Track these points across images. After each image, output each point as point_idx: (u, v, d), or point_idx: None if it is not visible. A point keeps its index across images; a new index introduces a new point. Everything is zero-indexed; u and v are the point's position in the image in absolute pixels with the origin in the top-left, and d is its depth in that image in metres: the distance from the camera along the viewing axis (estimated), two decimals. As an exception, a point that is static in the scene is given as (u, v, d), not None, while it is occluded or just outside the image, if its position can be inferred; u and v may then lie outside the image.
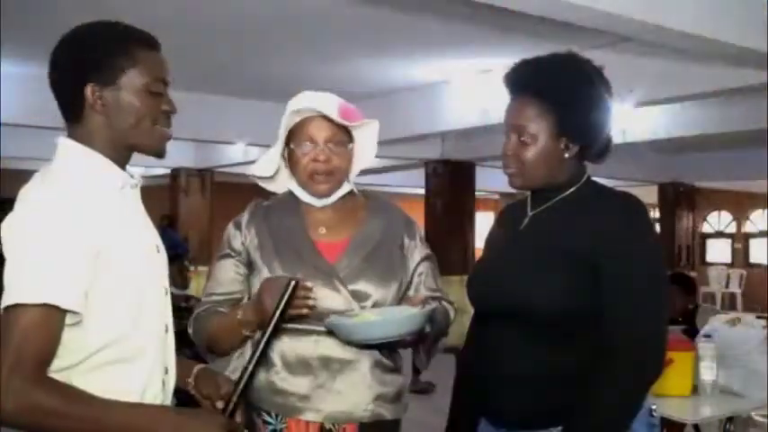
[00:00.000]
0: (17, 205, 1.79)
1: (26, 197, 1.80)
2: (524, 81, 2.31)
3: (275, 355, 2.38)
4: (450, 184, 13.31)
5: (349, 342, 2.30)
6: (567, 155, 2.28)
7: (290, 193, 2.54)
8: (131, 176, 2.00)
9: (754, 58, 5.69)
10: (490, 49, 7.80)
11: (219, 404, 2.00)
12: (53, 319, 1.72)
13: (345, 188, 2.51)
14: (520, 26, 6.47)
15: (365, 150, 2.55)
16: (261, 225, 2.49)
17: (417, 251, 2.55)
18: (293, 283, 2.05)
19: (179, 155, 14.42)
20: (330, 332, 2.31)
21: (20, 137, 11.25)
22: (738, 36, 5.31)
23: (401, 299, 2.46)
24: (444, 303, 2.56)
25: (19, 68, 8.78)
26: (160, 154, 1.99)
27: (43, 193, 1.80)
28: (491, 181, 16.74)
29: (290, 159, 2.48)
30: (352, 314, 2.30)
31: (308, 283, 2.24)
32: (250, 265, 2.47)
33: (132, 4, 6.19)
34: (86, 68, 1.89)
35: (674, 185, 17.03)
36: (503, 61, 8.09)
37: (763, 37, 5.35)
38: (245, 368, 1.97)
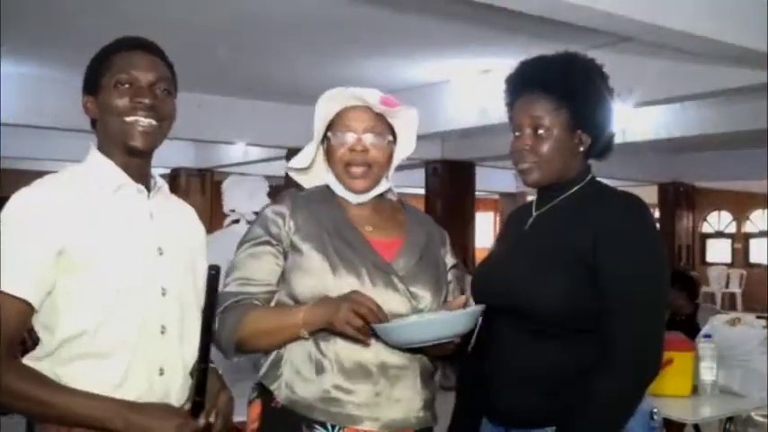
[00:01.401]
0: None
1: (20, 189, 1.93)
2: (534, 78, 2.33)
3: (328, 361, 2.20)
4: (450, 183, 13.31)
5: (399, 344, 2.14)
6: (581, 148, 2.31)
7: (325, 190, 2.41)
8: (155, 182, 2.13)
9: (754, 58, 5.69)
10: (490, 50, 7.81)
11: (186, 407, 2.01)
12: (7, 304, 1.84)
13: (383, 186, 2.40)
14: (520, 26, 6.47)
15: (405, 143, 2.42)
16: (307, 214, 2.32)
17: (448, 258, 2.47)
18: (212, 272, 1.94)
19: (179, 155, 14.45)
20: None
21: (20, 137, 11.27)
22: (738, 36, 5.31)
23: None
24: None
25: (19, 68, 8.81)
26: (139, 147, 2.03)
27: (31, 188, 1.95)
28: (491, 181, 16.81)
29: (328, 150, 2.36)
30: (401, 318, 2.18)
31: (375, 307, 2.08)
32: (291, 254, 2.28)
33: (132, 5, 6.19)
34: (83, 84, 2.10)
35: (674, 185, 17.04)
36: (503, 61, 8.13)
37: (763, 37, 5.36)
38: (200, 368, 1.95)
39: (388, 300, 2.20)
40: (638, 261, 2.18)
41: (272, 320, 2.23)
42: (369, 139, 2.31)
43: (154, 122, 2.02)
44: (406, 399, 2.24)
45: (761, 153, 11.71)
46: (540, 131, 2.28)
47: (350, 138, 2.30)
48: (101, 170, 2.03)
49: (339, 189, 2.37)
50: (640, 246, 2.20)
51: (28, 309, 1.88)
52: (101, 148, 2.06)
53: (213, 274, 1.95)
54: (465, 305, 2.21)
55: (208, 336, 1.96)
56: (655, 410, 2.29)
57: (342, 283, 2.19)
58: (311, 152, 2.41)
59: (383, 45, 7.86)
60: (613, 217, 2.22)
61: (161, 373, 2.01)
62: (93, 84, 2.05)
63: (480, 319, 2.21)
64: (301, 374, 2.23)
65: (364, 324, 2.06)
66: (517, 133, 2.33)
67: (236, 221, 4.29)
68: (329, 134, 2.34)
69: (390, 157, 2.38)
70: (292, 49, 7.97)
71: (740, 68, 6.31)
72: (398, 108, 2.33)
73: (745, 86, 6.80)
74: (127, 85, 2.01)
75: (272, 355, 2.28)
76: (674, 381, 3.83)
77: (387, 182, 2.41)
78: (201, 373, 1.95)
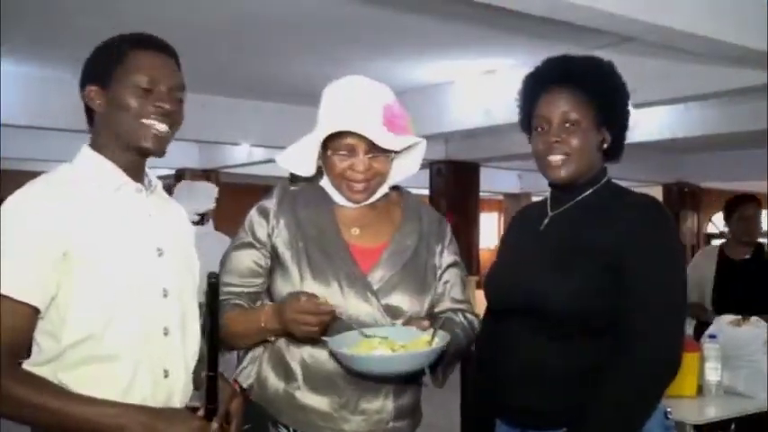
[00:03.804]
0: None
1: (14, 193, 1.87)
2: (562, 73, 2.33)
3: (296, 366, 2.24)
4: (455, 184, 13.29)
5: (348, 371, 2.16)
6: (604, 145, 2.33)
7: (316, 185, 2.38)
8: (150, 181, 2.08)
9: (755, 59, 5.69)
10: (494, 50, 7.79)
11: (200, 413, 2.01)
12: (13, 309, 1.79)
13: (383, 190, 2.36)
14: (523, 27, 6.46)
15: (408, 163, 2.37)
16: (290, 217, 2.30)
17: (445, 256, 2.40)
18: (212, 279, 1.96)
19: (184, 155, 14.44)
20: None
21: (20, 138, 11.26)
22: (741, 36, 5.31)
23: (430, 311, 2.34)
24: (469, 316, 2.42)
25: (19, 68, 8.81)
26: (151, 150, 2.01)
27: (26, 190, 1.88)
28: (495, 181, 16.81)
29: (325, 160, 2.30)
30: (356, 334, 2.14)
31: (322, 300, 2.09)
32: (274, 258, 2.30)
33: (133, 5, 6.20)
34: (87, 70, 2.03)
35: (678, 186, 16.99)
36: (506, 62, 8.13)
37: (764, 37, 5.36)
38: (209, 376, 1.96)
39: (360, 312, 2.20)
40: (664, 261, 2.19)
41: (241, 324, 2.24)
42: (369, 159, 2.25)
43: (168, 129, 2.00)
44: (374, 410, 2.24)
45: (765, 154, 11.68)
46: (569, 125, 2.27)
47: (351, 159, 2.25)
48: (99, 169, 1.98)
49: (336, 197, 2.34)
50: (665, 246, 2.22)
51: (34, 313, 1.83)
52: (96, 143, 2.01)
53: (213, 281, 1.96)
54: (433, 327, 2.17)
55: (214, 343, 1.97)
56: (669, 410, 2.28)
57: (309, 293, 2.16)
58: (312, 160, 2.33)
59: (387, 46, 7.85)
60: (634, 218, 2.23)
61: (165, 375, 2.00)
62: (102, 75, 1.99)
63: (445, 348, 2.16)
64: (272, 377, 2.27)
65: (316, 327, 2.08)
66: (544, 127, 2.31)
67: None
68: (329, 147, 2.27)
69: (390, 164, 2.32)
70: (296, 50, 7.97)
71: (743, 69, 6.31)
72: (401, 145, 2.27)
73: (748, 87, 6.79)
74: (146, 87, 1.97)
75: (251, 354, 2.33)
76: (680, 381, 3.81)
77: (386, 185, 2.36)
78: (211, 380, 1.96)
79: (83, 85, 2.01)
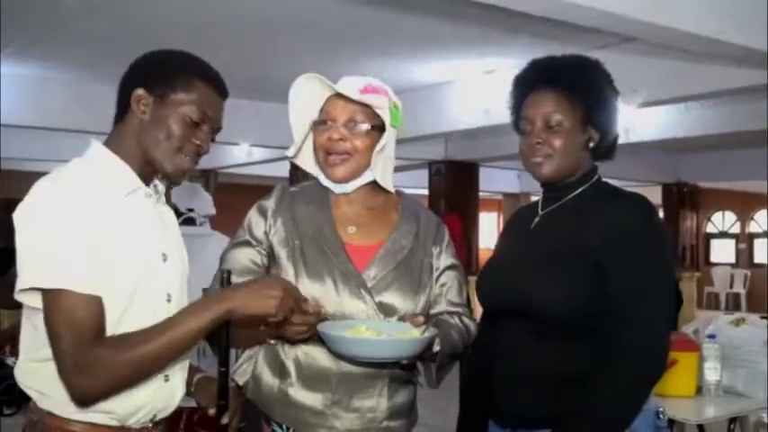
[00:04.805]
0: (29, 195, 1.84)
1: (37, 187, 1.84)
2: (546, 74, 2.33)
3: (290, 363, 2.24)
4: (454, 184, 13.32)
5: (337, 355, 2.17)
6: (591, 144, 2.32)
7: (318, 184, 2.38)
8: (156, 187, 2.08)
9: (756, 58, 5.70)
10: (494, 50, 7.81)
11: (212, 411, 2.04)
12: (77, 301, 1.77)
13: (366, 177, 2.32)
14: (524, 27, 6.47)
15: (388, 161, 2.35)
16: (287, 216, 2.31)
17: (442, 259, 2.39)
18: (225, 274, 1.99)
19: (182, 155, 14.45)
20: None
21: (20, 138, 11.27)
22: (742, 36, 5.32)
23: (427, 312, 2.33)
24: (465, 320, 2.39)
25: (19, 69, 8.81)
26: (172, 179, 2.03)
27: (50, 184, 1.85)
28: (494, 181, 16.81)
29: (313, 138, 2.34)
30: (348, 323, 2.16)
31: (310, 300, 2.10)
32: (271, 257, 2.31)
33: (134, 6, 6.19)
34: (146, 74, 2.00)
35: (677, 186, 17.03)
36: (506, 62, 8.12)
37: (764, 37, 5.37)
38: (220, 372, 1.97)
39: (354, 310, 2.21)
40: (649, 262, 2.18)
41: (240, 324, 2.18)
42: (346, 128, 2.27)
43: (194, 165, 2.03)
44: (367, 408, 2.23)
45: (765, 153, 11.70)
46: (552, 125, 2.28)
47: (328, 126, 2.28)
48: (112, 170, 1.96)
49: (322, 178, 2.35)
50: (650, 247, 2.20)
51: (97, 299, 1.81)
52: (116, 142, 1.99)
53: (227, 276, 1.99)
54: (427, 325, 2.16)
55: (226, 340, 1.98)
56: (661, 410, 2.28)
57: (304, 291, 2.16)
58: (298, 142, 2.38)
59: (386, 46, 7.86)
60: (623, 217, 2.22)
61: (166, 379, 1.99)
62: (159, 88, 1.97)
63: (438, 342, 2.17)
64: (267, 374, 2.27)
65: (303, 327, 2.09)
66: (528, 128, 2.32)
67: (192, 220, 4.36)
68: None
69: (374, 146, 2.30)
70: (295, 50, 7.97)
71: (743, 68, 6.32)
72: (380, 96, 2.29)
73: (748, 87, 6.81)
74: (197, 121, 1.98)
75: (247, 351, 2.34)
76: (679, 381, 3.82)
77: (371, 173, 2.33)
78: (223, 376, 1.98)
79: (132, 84, 1.99)
